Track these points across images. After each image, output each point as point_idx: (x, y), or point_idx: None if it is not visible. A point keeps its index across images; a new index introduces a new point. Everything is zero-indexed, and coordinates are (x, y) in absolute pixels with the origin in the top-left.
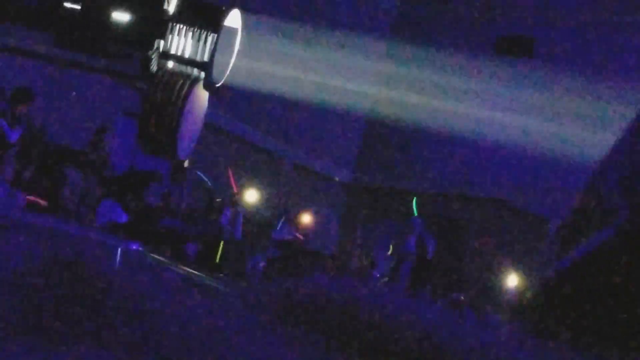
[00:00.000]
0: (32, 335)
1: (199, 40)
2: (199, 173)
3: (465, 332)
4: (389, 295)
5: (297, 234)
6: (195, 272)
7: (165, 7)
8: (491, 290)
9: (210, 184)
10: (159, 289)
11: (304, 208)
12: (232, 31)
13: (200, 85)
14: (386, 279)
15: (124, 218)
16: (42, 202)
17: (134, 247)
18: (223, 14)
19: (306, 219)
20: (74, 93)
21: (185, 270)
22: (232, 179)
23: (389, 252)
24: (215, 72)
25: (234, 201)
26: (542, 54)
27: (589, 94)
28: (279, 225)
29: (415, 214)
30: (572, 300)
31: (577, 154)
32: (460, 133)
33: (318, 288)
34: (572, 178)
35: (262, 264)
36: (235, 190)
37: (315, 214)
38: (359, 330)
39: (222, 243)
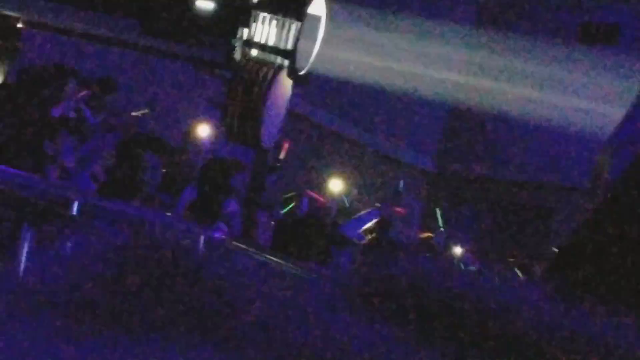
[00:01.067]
0: (114, 327)
1: (282, 28)
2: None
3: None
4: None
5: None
6: (281, 261)
7: None
8: None
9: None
10: (250, 280)
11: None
12: (316, 19)
13: (284, 73)
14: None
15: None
16: None
17: (218, 235)
18: (307, 2)
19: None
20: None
21: (271, 258)
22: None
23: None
24: (298, 60)
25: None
26: (627, 40)
27: None
28: (365, 212)
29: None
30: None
31: None
32: (542, 121)
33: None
34: None
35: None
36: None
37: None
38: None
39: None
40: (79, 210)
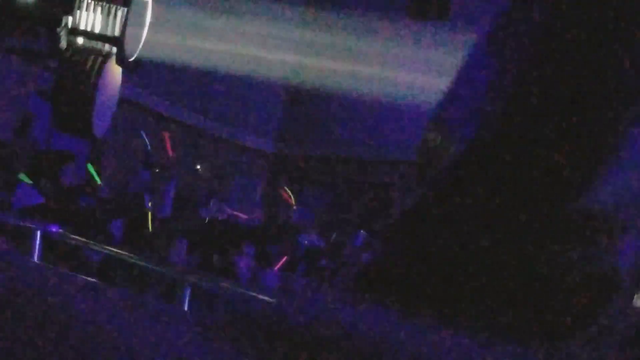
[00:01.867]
0: None
1: (108, 15)
2: (142, 133)
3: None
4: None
5: (233, 212)
6: (121, 252)
7: None
8: None
9: (149, 148)
10: (78, 278)
11: (229, 182)
12: (143, 4)
13: (113, 60)
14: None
15: (39, 200)
16: None
17: (54, 229)
18: None
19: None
20: None
21: (110, 250)
22: (167, 144)
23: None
24: (127, 46)
25: (166, 168)
26: (459, 15)
27: None
28: (211, 203)
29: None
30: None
31: None
32: (377, 98)
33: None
34: None
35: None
36: (170, 154)
37: (239, 185)
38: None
39: (149, 219)
40: None
